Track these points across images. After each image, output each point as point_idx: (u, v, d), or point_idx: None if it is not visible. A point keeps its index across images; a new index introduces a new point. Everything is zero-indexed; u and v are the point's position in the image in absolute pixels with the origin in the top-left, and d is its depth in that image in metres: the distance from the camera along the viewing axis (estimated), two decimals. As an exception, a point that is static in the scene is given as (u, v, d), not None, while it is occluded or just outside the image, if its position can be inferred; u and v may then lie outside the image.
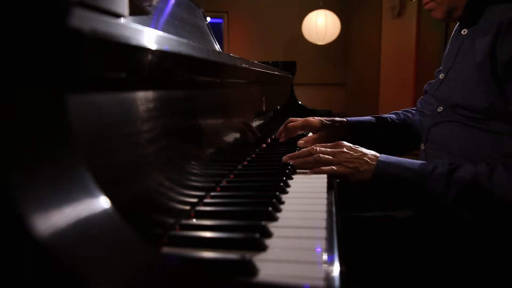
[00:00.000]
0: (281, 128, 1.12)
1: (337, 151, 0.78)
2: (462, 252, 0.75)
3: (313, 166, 0.77)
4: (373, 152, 0.79)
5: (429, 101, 1.00)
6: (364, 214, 0.90)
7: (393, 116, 1.17)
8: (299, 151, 0.82)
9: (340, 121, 1.07)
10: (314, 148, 0.80)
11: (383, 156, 0.77)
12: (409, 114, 1.17)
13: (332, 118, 1.08)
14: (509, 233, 0.71)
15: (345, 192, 1.06)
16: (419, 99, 1.14)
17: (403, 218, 0.85)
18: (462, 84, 0.84)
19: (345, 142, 0.82)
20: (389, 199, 0.98)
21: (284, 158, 0.81)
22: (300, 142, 1.01)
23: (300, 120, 1.07)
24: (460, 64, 0.88)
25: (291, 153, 0.88)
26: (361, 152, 0.78)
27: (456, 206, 0.70)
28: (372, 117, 1.15)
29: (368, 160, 0.76)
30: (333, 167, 0.76)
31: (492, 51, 0.76)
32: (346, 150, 0.78)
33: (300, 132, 1.15)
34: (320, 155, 0.78)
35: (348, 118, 1.10)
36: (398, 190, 0.76)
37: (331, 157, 0.77)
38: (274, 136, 1.21)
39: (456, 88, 0.86)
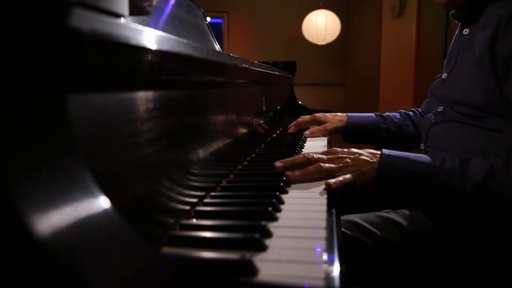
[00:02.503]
0: (293, 123, 1.31)
1: (333, 157, 0.73)
2: (461, 251, 0.75)
3: (315, 177, 0.69)
4: (368, 150, 0.74)
5: (431, 104, 1.01)
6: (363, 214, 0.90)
7: (396, 114, 1.21)
8: (294, 157, 0.74)
9: (340, 115, 1.23)
10: (311, 155, 0.73)
11: (386, 150, 0.72)
12: (411, 113, 1.20)
13: (334, 113, 1.26)
14: (508, 233, 0.71)
15: (347, 193, 1.06)
16: (424, 101, 1.14)
17: (401, 217, 0.85)
18: (463, 81, 0.84)
19: (336, 148, 0.77)
20: (389, 200, 0.98)
21: (277, 164, 0.72)
22: (306, 133, 1.23)
23: (308, 116, 1.30)
24: (461, 62, 0.88)
25: (290, 153, 0.89)
26: (356, 152, 0.73)
27: (474, 199, 0.65)
28: (374, 114, 1.22)
29: (368, 159, 0.70)
30: (340, 179, 0.67)
31: (492, 45, 0.76)
32: (342, 155, 0.73)
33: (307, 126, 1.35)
34: (321, 164, 0.70)
35: (348, 114, 1.23)
36: (406, 185, 0.69)
37: (332, 165, 0.71)
38: (275, 135, 1.25)
39: (457, 86, 0.86)
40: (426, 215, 0.83)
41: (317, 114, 1.28)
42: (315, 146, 1.13)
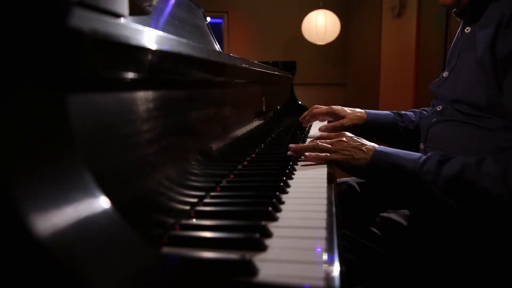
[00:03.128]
0: (306, 112, 1.25)
1: (336, 140, 0.83)
2: (462, 251, 0.75)
3: (311, 152, 0.81)
4: (372, 144, 0.81)
5: (434, 103, 1.00)
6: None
7: (411, 113, 1.19)
8: (305, 144, 0.87)
9: (360, 112, 1.18)
10: (316, 141, 0.85)
11: (381, 147, 0.80)
12: (425, 113, 1.18)
13: (353, 108, 1.20)
14: (509, 233, 0.71)
15: (348, 193, 1.06)
16: (432, 101, 1.12)
17: (402, 218, 0.85)
18: (464, 80, 0.84)
19: (347, 133, 0.86)
20: (390, 200, 0.98)
21: (290, 145, 0.86)
22: (321, 127, 1.19)
23: (325, 107, 1.21)
24: (462, 61, 0.88)
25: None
26: (360, 142, 0.81)
27: (444, 195, 0.70)
28: (391, 112, 1.19)
29: (364, 150, 0.78)
30: (327, 154, 0.80)
31: (493, 45, 0.75)
32: (345, 140, 0.82)
33: (323, 119, 1.32)
34: (319, 142, 0.82)
35: (368, 111, 1.19)
36: (391, 177, 0.77)
37: (329, 146, 0.81)
38: (275, 135, 1.25)
39: (458, 85, 0.86)
40: (427, 215, 0.83)
41: (335, 107, 1.20)
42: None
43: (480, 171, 0.67)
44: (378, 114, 1.18)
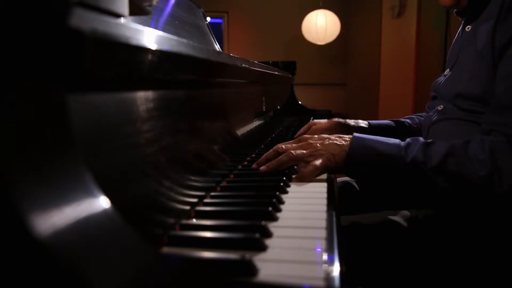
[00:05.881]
0: (302, 129, 1.15)
1: (304, 144, 0.76)
2: (462, 251, 0.75)
3: (288, 165, 0.73)
4: (336, 135, 0.78)
5: (434, 104, 1.00)
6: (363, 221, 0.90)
7: (409, 120, 1.18)
8: (264, 154, 0.77)
9: (363, 122, 1.13)
10: (280, 146, 0.77)
11: (356, 134, 0.76)
12: (422, 118, 1.17)
13: (356, 120, 1.14)
14: (509, 233, 0.71)
15: (348, 193, 1.06)
16: (427, 104, 1.12)
17: (401, 218, 0.85)
18: (465, 74, 0.83)
19: (305, 135, 0.81)
20: (389, 199, 0.98)
21: (253, 167, 0.76)
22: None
23: (324, 121, 1.10)
24: (463, 57, 0.87)
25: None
26: (325, 137, 0.77)
27: (435, 176, 0.68)
28: (391, 120, 1.18)
29: (337, 142, 0.74)
30: (314, 164, 0.71)
31: (493, 35, 0.74)
32: (311, 141, 0.76)
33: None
34: (292, 151, 0.73)
35: (370, 121, 1.15)
36: (373, 164, 0.72)
37: (304, 151, 0.74)
38: (274, 135, 1.25)
39: (460, 78, 0.85)
40: (426, 215, 0.83)
41: (334, 120, 1.10)
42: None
43: (467, 154, 0.67)
44: (380, 122, 1.16)
